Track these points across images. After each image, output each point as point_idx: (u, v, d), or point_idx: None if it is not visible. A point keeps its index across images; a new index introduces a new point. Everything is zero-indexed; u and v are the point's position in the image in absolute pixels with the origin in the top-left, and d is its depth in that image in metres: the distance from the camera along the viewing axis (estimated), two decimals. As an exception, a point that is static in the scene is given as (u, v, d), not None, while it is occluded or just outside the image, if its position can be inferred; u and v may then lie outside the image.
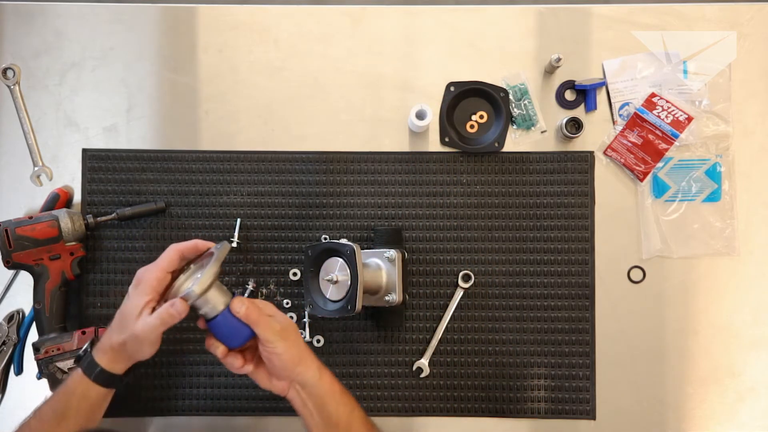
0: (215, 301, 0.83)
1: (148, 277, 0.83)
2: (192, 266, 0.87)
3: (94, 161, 1.08)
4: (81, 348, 0.99)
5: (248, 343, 0.85)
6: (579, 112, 1.08)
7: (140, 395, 1.05)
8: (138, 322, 0.81)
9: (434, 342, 1.05)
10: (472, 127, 1.08)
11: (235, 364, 0.84)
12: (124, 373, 0.86)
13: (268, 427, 1.06)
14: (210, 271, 0.81)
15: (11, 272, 1.06)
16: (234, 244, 1.05)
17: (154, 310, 0.82)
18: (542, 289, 1.06)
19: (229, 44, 1.09)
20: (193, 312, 0.83)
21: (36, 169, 1.08)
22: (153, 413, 1.06)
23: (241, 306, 0.82)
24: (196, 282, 0.81)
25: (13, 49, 1.09)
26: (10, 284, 1.07)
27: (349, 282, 0.94)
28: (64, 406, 0.85)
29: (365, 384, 1.05)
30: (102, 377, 0.84)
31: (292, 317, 1.06)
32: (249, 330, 0.83)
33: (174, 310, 0.80)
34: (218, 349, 0.84)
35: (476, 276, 1.05)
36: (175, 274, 0.86)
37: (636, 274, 1.07)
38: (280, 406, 1.05)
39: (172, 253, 0.85)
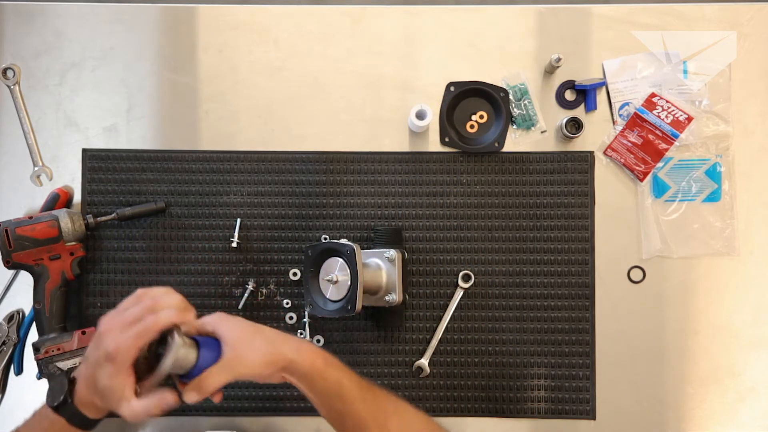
0: (186, 356, 0.75)
1: (123, 351, 0.73)
2: None
3: (94, 161, 1.08)
4: (81, 348, 0.99)
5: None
6: (579, 112, 1.08)
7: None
8: (123, 406, 0.74)
9: (434, 342, 1.05)
10: (472, 127, 1.08)
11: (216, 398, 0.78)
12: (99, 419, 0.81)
13: (269, 428, 1.06)
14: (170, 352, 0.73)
15: (11, 272, 1.06)
16: (234, 244, 1.05)
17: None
18: (542, 289, 1.06)
19: (229, 44, 1.09)
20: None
21: (36, 169, 1.08)
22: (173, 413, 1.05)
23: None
24: (163, 363, 0.73)
25: (13, 49, 1.09)
26: (10, 284, 1.07)
27: (349, 282, 0.94)
28: None
29: (365, 384, 1.05)
30: (88, 424, 0.79)
31: (291, 317, 1.06)
32: (218, 352, 0.76)
33: (165, 404, 0.74)
34: (216, 396, 0.77)
35: (476, 276, 1.05)
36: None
37: (636, 274, 1.07)
38: (280, 406, 1.05)
39: (149, 328, 0.74)
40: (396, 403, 0.82)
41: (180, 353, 0.74)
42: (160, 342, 0.75)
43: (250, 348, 0.77)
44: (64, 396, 0.78)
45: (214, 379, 0.75)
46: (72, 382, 0.79)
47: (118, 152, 1.08)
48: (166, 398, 0.74)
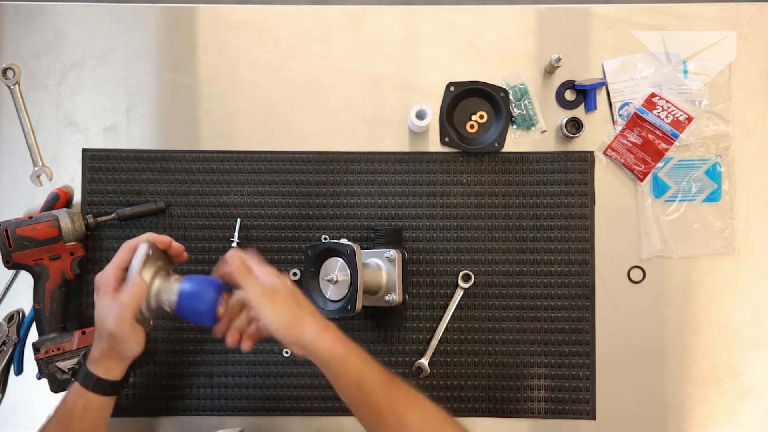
0: (168, 281, 0.85)
1: (105, 279, 0.82)
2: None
3: (94, 161, 1.08)
4: (81, 348, 0.99)
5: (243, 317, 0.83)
6: (579, 112, 1.08)
7: (147, 395, 1.05)
8: (108, 319, 0.80)
9: (434, 342, 1.05)
10: (472, 127, 1.08)
11: (228, 340, 0.83)
12: (122, 378, 0.86)
13: (269, 428, 1.06)
14: (141, 250, 0.83)
15: (11, 272, 1.06)
16: (234, 244, 1.05)
17: None
18: (542, 289, 1.06)
19: (229, 44, 1.09)
20: (165, 316, 0.85)
21: (36, 169, 1.08)
22: (160, 413, 1.06)
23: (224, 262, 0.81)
24: (137, 260, 0.82)
25: (13, 49, 1.09)
26: (10, 284, 1.07)
27: (349, 282, 0.94)
28: (67, 422, 0.84)
29: (365, 384, 1.05)
30: (100, 386, 0.84)
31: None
32: (213, 292, 0.82)
33: (130, 287, 0.80)
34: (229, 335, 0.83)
35: (476, 276, 1.05)
36: None
37: (636, 274, 1.07)
38: (280, 406, 1.05)
39: (125, 251, 0.84)
40: (416, 396, 0.82)
41: (157, 280, 0.83)
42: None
43: (288, 297, 0.80)
44: (79, 362, 0.87)
45: (250, 281, 0.79)
46: (86, 355, 0.86)
47: (118, 152, 1.08)
48: (130, 281, 0.80)
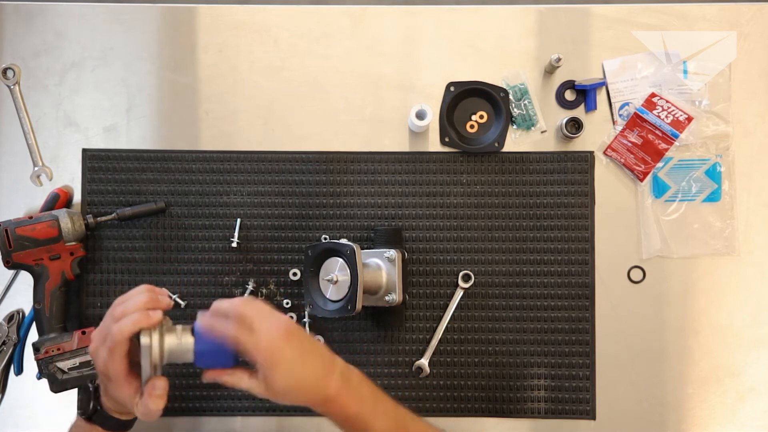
0: (178, 343, 0.74)
1: (113, 370, 0.72)
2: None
3: (94, 161, 1.08)
4: (81, 347, 0.99)
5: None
6: (579, 112, 1.08)
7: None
8: (134, 410, 0.74)
9: (434, 342, 1.05)
10: (472, 127, 1.08)
11: (241, 383, 0.74)
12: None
13: (269, 428, 1.06)
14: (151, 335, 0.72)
15: (11, 272, 1.06)
16: (234, 244, 1.05)
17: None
18: (542, 289, 1.06)
19: (229, 44, 1.09)
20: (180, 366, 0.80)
21: (36, 169, 1.08)
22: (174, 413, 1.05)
23: (203, 322, 0.71)
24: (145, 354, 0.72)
25: (13, 49, 1.09)
26: (10, 284, 1.07)
27: (349, 282, 0.94)
28: None
29: (365, 384, 1.05)
30: (121, 425, 0.82)
31: (291, 317, 1.05)
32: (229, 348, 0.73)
33: (156, 394, 0.72)
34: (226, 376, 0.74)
35: (476, 276, 1.05)
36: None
37: (636, 274, 1.07)
38: (281, 406, 1.05)
39: (121, 345, 0.72)
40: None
41: (166, 346, 0.73)
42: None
43: (291, 359, 0.71)
44: (93, 405, 0.80)
45: (243, 342, 0.71)
46: (97, 390, 0.81)
47: (118, 152, 1.08)
48: (155, 384, 0.72)
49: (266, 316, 0.72)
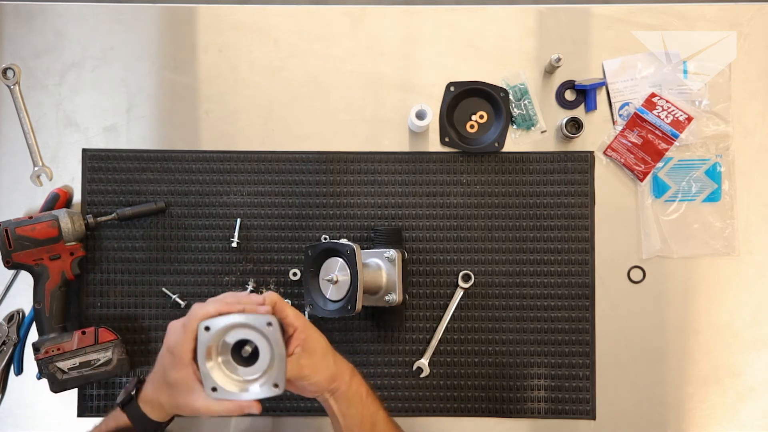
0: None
1: (182, 347, 0.76)
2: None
3: (94, 161, 1.08)
4: (81, 347, 0.99)
5: None
6: (579, 112, 1.08)
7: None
8: (198, 401, 0.77)
9: (434, 342, 1.05)
10: (472, 127, 1.08)
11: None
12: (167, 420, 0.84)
13: (270, 428, 1.06)
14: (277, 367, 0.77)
15: (11, 272, 1.06)
16: (234, 244, 1.05)
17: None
18: (542, 289, 1.06)
19: (229, 44, 1.09)
20: None
21: (36, 169, 1.08)
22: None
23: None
24: (269, 379, 0.77)
25: (13, 49, 1.09)
26: (10, 284, 1.07)
27: (349, 282, 0.94)
28: None
29: (365, 384, 1.05)
30: (150, 427, 0.82)
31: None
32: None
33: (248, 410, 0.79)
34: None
35: (476, 276, 1.05)
36: None
37: (636, 274, 1.07)
38: (281, 406, 1.05)
39: (194, 321, 0.77)
40: None
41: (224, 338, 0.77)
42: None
43: (324, 355, 0.85)
44: (130, 394, 0.82)
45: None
46: (141, 381, 0.83)
47: (118, 152, 1.08)
48: (250, 407, 0.79)
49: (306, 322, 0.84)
